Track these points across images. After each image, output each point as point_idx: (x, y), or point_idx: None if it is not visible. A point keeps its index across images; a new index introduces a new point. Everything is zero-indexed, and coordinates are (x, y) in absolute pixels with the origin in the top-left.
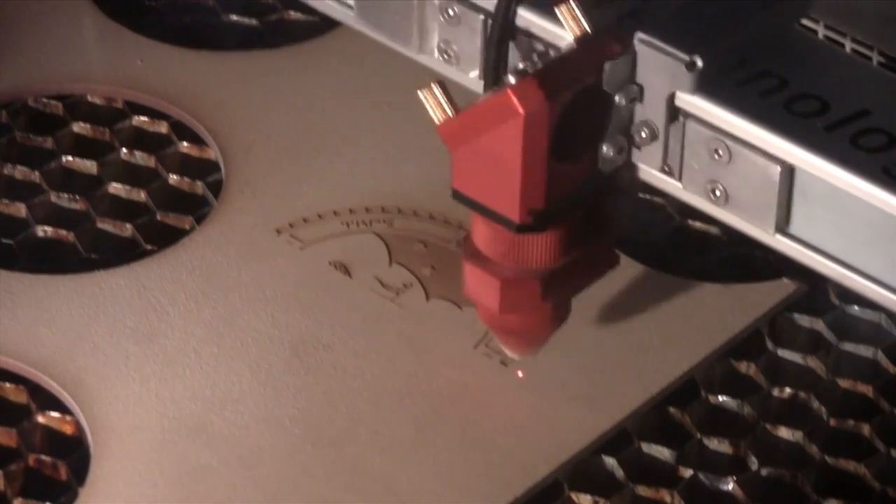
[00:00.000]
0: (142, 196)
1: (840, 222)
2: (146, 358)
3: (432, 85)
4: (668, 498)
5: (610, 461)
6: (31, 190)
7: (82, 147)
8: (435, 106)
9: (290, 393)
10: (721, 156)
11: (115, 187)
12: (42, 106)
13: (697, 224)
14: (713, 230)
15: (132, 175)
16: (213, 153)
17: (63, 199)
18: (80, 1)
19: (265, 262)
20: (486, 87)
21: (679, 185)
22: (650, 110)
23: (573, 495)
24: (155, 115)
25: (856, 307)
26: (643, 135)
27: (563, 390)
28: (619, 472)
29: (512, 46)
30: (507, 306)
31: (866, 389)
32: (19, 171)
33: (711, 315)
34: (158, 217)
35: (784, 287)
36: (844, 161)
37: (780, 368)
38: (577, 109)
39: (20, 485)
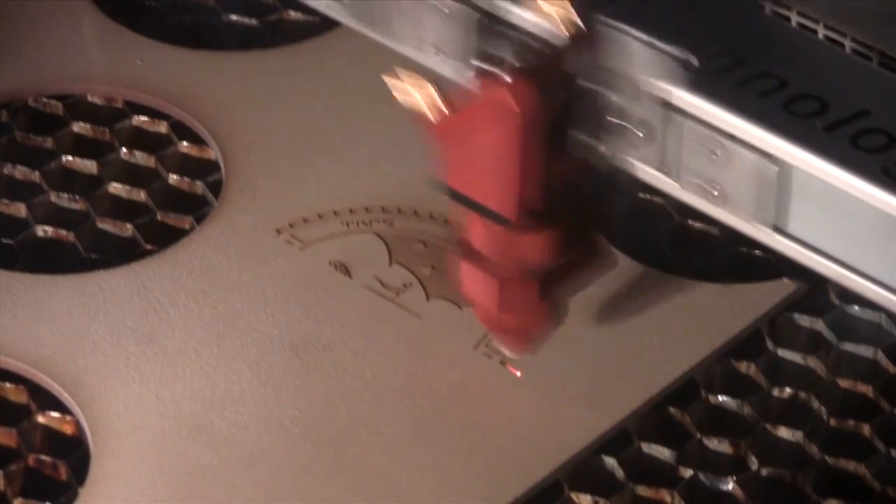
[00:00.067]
0: (142, 196)
1: (839, 222)
2: (146, 358)
3: (427, 84)
4: (668, 498)
5: (610, 461)
6: (31, 190)
7: (82, 147)
8: (430, 105)
9: (290, 393)
10: (719, 155)
11: (115, 187)
12: (42, 106)
13: (697, 224)
14: (713, 230)
15: (132, 175)
16: (213, 153)
17: (63, 199)
18: (80, 1)
19: (265, 262)
20: (479, 85)
21: (676, 184)
22: (647, 110)
23: (573, 495)
24: (155, 114)
25: (856, 307)
26: (640, 134)
27: (563, 390)
28: (619, 472)
29: (504, 43)
30: (505, 305)
31: (866, 389)
32: (19, 171)
33: (711, 315)
34: (158, 217)
35: (784, 287)
36: (844, 161)
37: (781, 368)
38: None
39: (20, 485)
